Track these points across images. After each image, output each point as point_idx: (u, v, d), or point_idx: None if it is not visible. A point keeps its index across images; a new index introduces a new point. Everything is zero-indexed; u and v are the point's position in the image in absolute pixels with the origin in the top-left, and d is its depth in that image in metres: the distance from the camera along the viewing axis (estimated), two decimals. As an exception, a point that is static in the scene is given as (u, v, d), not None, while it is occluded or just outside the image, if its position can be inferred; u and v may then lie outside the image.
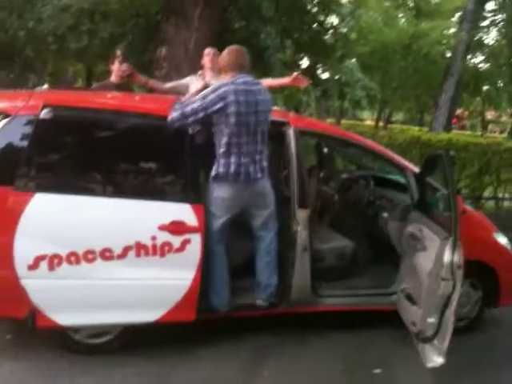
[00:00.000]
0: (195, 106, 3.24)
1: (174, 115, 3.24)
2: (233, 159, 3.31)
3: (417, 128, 19.99)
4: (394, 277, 3.95)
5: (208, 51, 4.82)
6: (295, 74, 4.32)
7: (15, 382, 3.03)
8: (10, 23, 6.95)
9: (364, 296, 4.00)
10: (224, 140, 3.30)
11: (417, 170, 4.00)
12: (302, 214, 3.62)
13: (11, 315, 3.16)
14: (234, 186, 3.37)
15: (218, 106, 3.22)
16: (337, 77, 9.28)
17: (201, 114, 3.24)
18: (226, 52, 3.49)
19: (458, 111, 25.06)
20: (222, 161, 3.32)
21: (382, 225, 4.22)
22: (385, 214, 4.21)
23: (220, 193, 3.37)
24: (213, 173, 3.36)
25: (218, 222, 3.40)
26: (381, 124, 23.39)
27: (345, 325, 4.01)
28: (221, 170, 3.33)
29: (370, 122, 24.28)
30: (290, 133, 3.67)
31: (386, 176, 5.00)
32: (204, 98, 3.25)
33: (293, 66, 9.07)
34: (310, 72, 9.19)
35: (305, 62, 10.45)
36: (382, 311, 3.98)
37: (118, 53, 4.76)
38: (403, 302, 3.69)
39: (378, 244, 4.42)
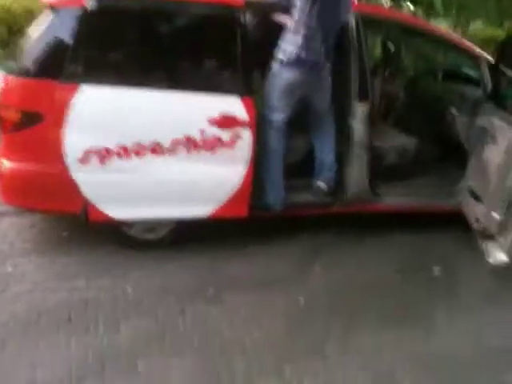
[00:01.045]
0: None
1: None
2: (305, 47, 3.17)
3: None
4: (461, 176, 3.67)
5: None
6: None
7: (70, 274, 3.08)
8: None
9: (426, 196, 3.78)
10: (302, 31, 3.15)
11: (491, 59, 3.62)
12: (360, 109, 3.39)
13: (66, 210, 3.18)
14: (300, 69, 3.23)
15: None
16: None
17: None
18: None
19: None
20: (289, 48, 3.21)
21: (450, 121, 3.89)
22: (453, 109, 3.88)
23: (285, 77, 3.25)
24: (284, 57, 3.22)
25: (277, 116, 3.28)
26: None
27: (407, 227, 3.80)
28: (295, 52, 3.19)
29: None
30: (351, 19, 3.36)
31: (458, 70, 4.58)
32: None
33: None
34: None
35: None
36: (447, 213, 3.71)
37: None
38: (468, 200, 3.46)
39: (446, 142, 4.12)
